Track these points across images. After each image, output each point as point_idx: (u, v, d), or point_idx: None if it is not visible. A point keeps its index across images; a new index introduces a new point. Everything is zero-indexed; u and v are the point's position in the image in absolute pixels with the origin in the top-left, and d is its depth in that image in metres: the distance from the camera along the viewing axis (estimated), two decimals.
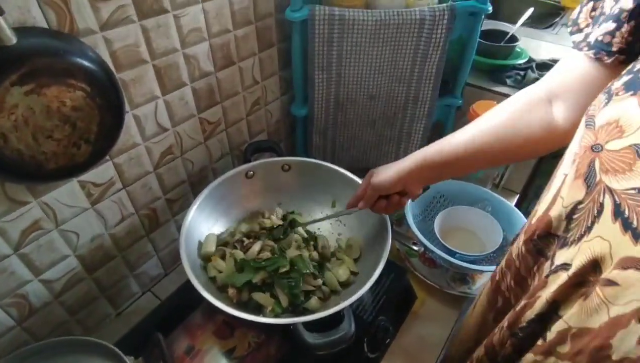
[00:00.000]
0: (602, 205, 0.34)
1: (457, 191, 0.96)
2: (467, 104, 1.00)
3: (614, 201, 0.32)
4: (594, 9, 0.44)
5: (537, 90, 0.53)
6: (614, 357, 0.33)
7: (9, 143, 0.48)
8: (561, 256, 0.39)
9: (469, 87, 1.07)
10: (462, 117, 1.04)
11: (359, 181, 0.79)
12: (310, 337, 0.55)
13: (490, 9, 0.87)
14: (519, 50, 1.14)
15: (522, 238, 0.47)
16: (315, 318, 0.57)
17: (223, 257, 0.73)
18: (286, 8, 0.81)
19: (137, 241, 0.79)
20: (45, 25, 0.51)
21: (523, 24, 1.13)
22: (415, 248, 0.82)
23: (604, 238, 0.34)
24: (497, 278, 0.53)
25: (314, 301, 0.66)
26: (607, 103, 0.35)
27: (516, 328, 0.44)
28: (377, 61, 0.88)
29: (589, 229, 0.35)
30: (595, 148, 0.35)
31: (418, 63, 0.90)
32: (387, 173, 0.65)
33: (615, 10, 0.40)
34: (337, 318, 0.58)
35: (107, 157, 0.66)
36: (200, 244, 0.75)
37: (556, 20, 1.51)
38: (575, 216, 0.38)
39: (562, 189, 0.40)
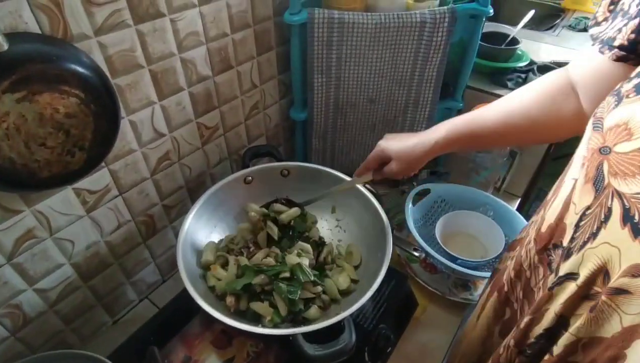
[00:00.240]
0: (610, 210, 0.33)
1: (459, 195, 0.95)
2: (468, 107, 0.99)
3: (623, 205, 0.31)
4: (612, 3, 0.44)
5: (562, 76, 0.53)
6: None
7: (1, 151, 0.47)
8: (565, 267, 0.38)
9: (470, 90, 1.06)
10: None
11: (359, 186, 0.78)
12: (310, 348, 0.54)
13: (492, 11, 0.86)
14: (520, 52, 1.13)
15: (533, 246, 0.45)
16: (315, 329, 0.56)
17: (224, 265, 0.71)
18: (285, 11, 0.79)
19: (133, 249, 0.78)
20: (37, 31, 0.50)
21: (523, 26, 1.12)
22: (416, 254, 0.81)
23: (612, 244, 0.32)
24: (505, 289, 0.51)
25: (313, 310, 0.65)
26: (616, 105, 0.34)
27: (524, 346, 0.43)
28: (377, 64, 0.87)
29: (593, 235, 0.34)
30: (604, 151, 0.34)
31: (418, 66, 0.89)
32: (407, 143, 0.65)
33: (636, 11, 0.39)
34: (338, 328, 0.57)
35: (103, 164, 0.65)
36: (199, 252, 0.73)
37: (556, 22, 1.50)
38: (582, 223, 0.37)
39: (574, 194, 0.39)
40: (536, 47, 1.28)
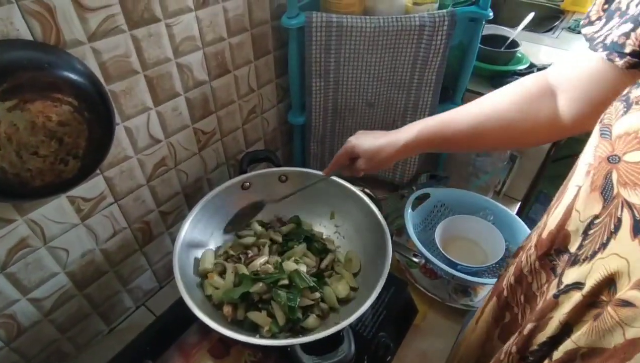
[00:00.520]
0: (619, 220, 0.32)
1: (458, 199, 0.94)
2: None
3: (633, 216, 0.30)
4: (607, 1, 0.42)
5: (541, 79, 0.52)
6: None
7: None
8: (572, 274, 0.37)
9: (470, 94, 1.05)
10: None
11: (358, 191, 0.77)
12: (308, 359, 0.53)
13: (491, 14, 0.85)
14: (519, 55, 1.13)
15: (533, 252, 0.45)
16: (312, 340, 0.55)
17: (222, 273, 0.70)
18: (282, 15, 0.79)
19: (130, 256, 0.77)
20: (29, 37, 0.49)
21: (522, 28, 1.12)
22: (415, 260, 0.80)
23: (621, 256, 0.31)
24: (505, 294, 0.51)
25: (312, 319, 0.64)
26: (625, 112, 0.33)
27: (527, 352, 0.42)
28: (376, 67, 0.86)
29: (604, 245, 0.34)
30: (612, 159, 0.33)
31: (418, 70, 0.88)
32: (376, 142, 0.64)
33: (637, 12, 0.38)
34: (336, 339, 0.56)
35: (98, 171, 0.64)
36: (196, 260, 0.72)
37: (556, 23, 1.49)
38: (590, 232, 0.36)
39: (577, 202, 0.38)
40: (535, 49, 1.27)
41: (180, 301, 0.60)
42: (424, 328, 0.79)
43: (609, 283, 0.33)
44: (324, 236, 0.82)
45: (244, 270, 0.69)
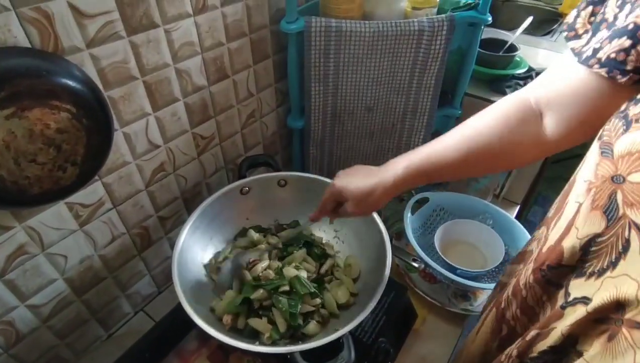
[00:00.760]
0: (628, 241, 0.32)
1: (458, 203, 0.94)
2: (466, 114, 0.98)
3: None
4: (593, 14, 0.42)
5: (525, 97, 0.50)
6: None
7: None
8: (578, 287, 0.37)
9: (469, 98, 1.05)
10: None
11: None
12: None
13: (490, 19, 0.85)
14: (518, 59, 1.13)
15: (530, 266, 0.45)
16: (312, 347, 0.55)
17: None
18: (281, 19, 0.78)
19: (128, 261, 0.76)
20: (27, 45, 0.49)
21: (521, 32, 1.12)
22: (415, 264, 0.80)
23: (632, 277, 0.31)
24: (502, 306, 0.50)
25: (312, 325, 0.64)
26: (625, 130, 0.33)
27: (527, 358, 0.42)
28: (375, 72, 0.86)
29: (613, 264, 0.33)
30: (616, 179, 0.33)
31: (417, 74, 0.88)
32: (366, 183, 0.59)
33: (630, 26, 0.37)
34: (336, 345, 0.56)
35: (96, 177, 0.64)
36: (195, 265, 0.72)
37: (554, 27, 1.50)
38: (593, 249, 0.35)
39: (577, 219, 0.37)
40: (534, 52, 1.27)
41: (179, 307, 0.60)
42: (423, 332, 0.79)
43: (617, 303, 0.32)
44: (324, 241, 0.82)
45: (247, 276, 0.69)
